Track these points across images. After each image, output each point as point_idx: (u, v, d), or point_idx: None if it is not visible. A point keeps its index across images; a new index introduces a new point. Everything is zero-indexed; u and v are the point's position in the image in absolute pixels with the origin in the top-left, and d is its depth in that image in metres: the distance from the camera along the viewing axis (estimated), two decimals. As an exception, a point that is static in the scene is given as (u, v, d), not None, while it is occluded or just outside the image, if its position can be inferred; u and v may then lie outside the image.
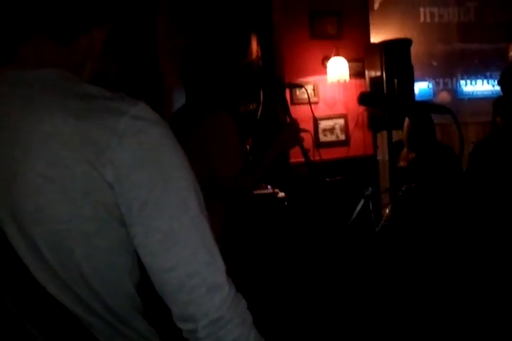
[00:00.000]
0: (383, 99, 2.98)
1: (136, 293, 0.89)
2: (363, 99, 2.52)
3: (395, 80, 4.15)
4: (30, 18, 0.85)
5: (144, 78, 3.87)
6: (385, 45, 4.29)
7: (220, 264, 0.83)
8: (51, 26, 0.86)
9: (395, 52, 4.23)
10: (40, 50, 0.87)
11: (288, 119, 2.58)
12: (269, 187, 3.75)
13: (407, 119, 3.63)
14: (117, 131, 0.78)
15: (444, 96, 5.38)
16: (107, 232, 0.81)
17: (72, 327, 0.81)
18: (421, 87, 4.94)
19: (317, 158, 3.32)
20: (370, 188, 3.29)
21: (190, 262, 0.81)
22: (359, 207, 3.16)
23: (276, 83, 3.55)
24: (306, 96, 4.27)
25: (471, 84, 5.41)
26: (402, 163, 3.68)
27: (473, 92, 5.41)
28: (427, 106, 2.91)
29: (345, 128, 4.50)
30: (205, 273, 0.81)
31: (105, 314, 0.85)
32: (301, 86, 3.20)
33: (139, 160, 0.78)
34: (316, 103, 4.38)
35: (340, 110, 4.53)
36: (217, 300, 0.81)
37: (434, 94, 5.33)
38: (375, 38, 4.69)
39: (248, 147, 4.36)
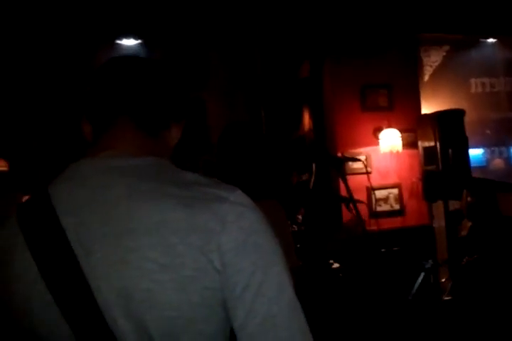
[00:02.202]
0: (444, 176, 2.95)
1: None
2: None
3: (450, 150, 4.14)
4: (124, 105, 0.94)
5: (198, 153, 4.00)
6: (438, 115, 4.33)
7: None
8: (141, 119, 0.94)
9: (448, 122, 4.26)
10: (126, 136, 0.94)
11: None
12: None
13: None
14: (221, 217, 0.82)
15: (497, 163, 5.32)
16: (211, 317, 0.82)
17: None
18: (473, 154, 4.92)
19: (373, 227, 3.31)
20: (430, 261, 3.21)
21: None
22: (420, 280, 3.08)
23: (334, 158, 3.63)
24: (359, 166, 4.32)
25: (527, 151, 5.36)
26: (463, 233, 3.60)
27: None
28: (494, 183, 2.89)
29: (400, 198, 4.48)
30: None
31: None
32: (358, 159, 3.26)
33: (242, 245, 0.82)
34: (369, 173, 4.40)
35: (394, 180, 4.54)
36: None
37: (487, 161, 5.29)
38: (427, 109, 4.76)
39: (301, 217, 4.39)
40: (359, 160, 3.35)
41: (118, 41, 4.37)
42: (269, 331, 0.81)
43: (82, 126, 0.98)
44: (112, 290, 0.81)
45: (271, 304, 0.81)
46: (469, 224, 3.62)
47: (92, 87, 0.97)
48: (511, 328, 3.00)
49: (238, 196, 0.86)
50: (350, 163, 4.29)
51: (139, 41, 4.40)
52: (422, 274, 3.15)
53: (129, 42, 4.40)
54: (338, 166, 2.94)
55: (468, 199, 3.57)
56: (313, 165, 4.00)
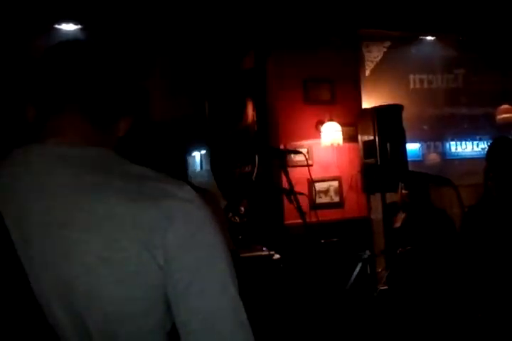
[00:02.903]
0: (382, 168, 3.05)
1: None
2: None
3: (388, 144, 4.26)
4: (73, 91, 0.89)
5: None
6: (377, 110, 4.44)
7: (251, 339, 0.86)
8: (91, 110, 0.90)
9: (387, 117, 4.38)
10: (74, 125, 0.90)
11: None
12: (264, 249, 3.76)
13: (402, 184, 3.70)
14: (168, 214, 0.81)
15: (433, 158, 5.51)
16: (152, 312, 0.82)
17: None
18: (411, 149, 5.07)
19: (313, 219, 3.37)
20: (367, 251, 3.30)
21: (229, 340, 0.83)
22: (357, 271, 3.16)
23: (277, 150, 3.66)
24: (300, 159, 4.37)
25: (460, 146, 5.57)
26: (397, 225, 3.72)
27: (462, 154, 5.56)
28: (427, 176, 2.99)
29: (340, 191, 4.57)
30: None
31: None
32: (300, 152, 3.31)
33: (187, 242, 0.81)
34: (310, 166, 4.47)
35: (335, 173, 4.62)
36: None
37: (424, 155, 5.47)
38: (367, 103, 4.87)
39: (243, 209, 4.41)
40: (300, 152, 3.39)
41: (57, 26, 4.23)
42: (210, 328, 0.82)
43: (26, 110, 0.94)
44: (51, 281, 0.79)
45: (213, 301, 0.82)
46: (403, 215, 3.74)
47: (40, 71, 0.92)
48: (441, 314, 3.13)
49: (186, 192, 0.85)
50: (292, 155, 4.33)
51: (79, 26, 4.27)
52: (360, 264, 3.23)
53: (68, 27, 4.26)
54: (280, 158, 2.96)
55: (403, 191, 3.69)
56: (256, 157, 4.03)
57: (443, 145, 5.53)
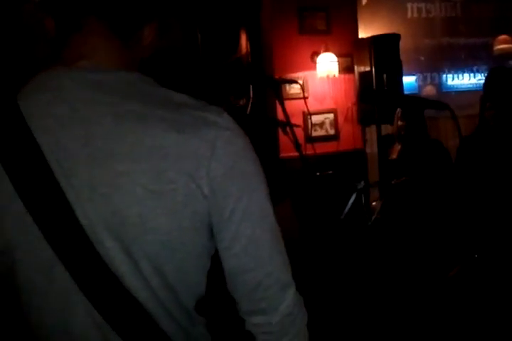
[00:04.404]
0: (377, 94, 3.00)
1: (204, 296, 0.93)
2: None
3: (384, 75, 4.19)
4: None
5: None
6: (373, 40, 4.33)
7: (289, 265, 0.91)
8: (111, 17, 0.83)
9: (384, 47, 4.27)
10: (100, 42, 0.84)
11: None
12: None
13: (397, 112, 3.66)
14: (210, 143, 0.81)
15: (429, 90, 5.45)
16: (199, 240, 0.84)
17: (155, 335, 0.83)
18: (407, 81, 5.00)
19: (309, 152, 3.36)
20: (362, 182, 3.33)
21: (268, 263, 0.88)
22: (352, 201, 3.20)
23: (271, 79, 3.57)
24: (295, 91, 4.31)
25: (457, 78, 5.49)
26: (394, 156, 3.72)
27: (458, 86, 5.49)
28: (425, 101, 2.95)
29: (335, 123, 4.54)
30: (279, 273, 0.89)
31: (182, 318, 0.88)
32: (295, 81, 3.23)
33: (230, 171, 0.82)
34: (305, 98, 4.40)
35: (330, 105, 4.57)
36: (289, 297, 0.89)
37: (420, 87, 5.40)
38: (364, 33, 4.73)
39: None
40: (296, 82, 3.33)
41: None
42: (252, 251, 0.86)
43: (44, 21, 0.87)
44: (99, 212, 0.79)
45: (254, 227, 0.85)
46: (399, 147, 3.74)
47: None
48: (435, 246, 3.20)
49: (226, 120, 0.84)
50: (287, 87, 4.27)
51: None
52: (354, 195, 3.27)
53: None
54: (275, 88, 2.90)
55: (399, 123, 3.67)
56: (251, 89, 3.96)
57: (439, 77, 5.44)
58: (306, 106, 3.40)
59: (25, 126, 0.79)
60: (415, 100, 3.18)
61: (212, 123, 0.82)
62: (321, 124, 4.50)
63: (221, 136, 0.82)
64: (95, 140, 0.78)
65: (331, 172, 4.18)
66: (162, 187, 0.78)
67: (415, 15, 5.21)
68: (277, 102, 3.08)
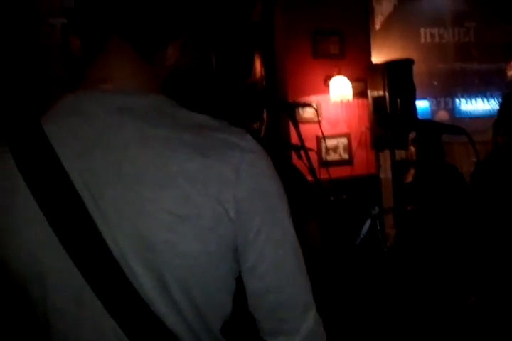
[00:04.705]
0: (392, 119, 2.98)
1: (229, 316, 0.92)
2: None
3: (398, 100, 4.18)
4: (115, 22, 0.82)
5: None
6: (387, 65, 4.33)
7: (310, 286, 0.91)
8: (135, 37, 0.83)
9: (398, 72, 4.28)
10: (124, 63, 0.85)
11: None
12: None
13: (411, 137, 3.64)
14: (234, 166, 0.81)
15: (442, 115, 5.43)
16: (225, 263, 0.84)
17: None
18: (420, 106, 4.99)
19: (323, 176, 3.33)
20: (376, 207, 3.29)
21: (291, 285, 0.88)
22: (367, 226, 3.16)
23: (286, 103, 3.57)
24: (309, 115, 4.30)
25: (470, 103, 5.47)
26: (408, 180, 3.69)
27: (471, 111, 5.47)
28: (442, 126, 2.93)
29: (349, 148, 4.52)
30: (301, 294, 0.89)
31: (206, 337, 0.87)
32: (310, 105, 3.22)
33: (254, 193, 0.83)
34: (319, 122, 4.40)
35: (343, 129, 4.55)
36: (310, 318, 0.89)
37: (433, 112, 5.38)
38: (377, 58, 4.74)
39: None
40: (311, 105, 3.32)
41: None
42: (275, 273, 0.86)
43: (69, 41, 0.87)
44: (127, 238, 0.78)
45: (278, 248, 0.86)
46: (413, 171, 3.71)
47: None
48: (449, 271, 3.14)
49: (249, 142, 0.84)
50: (300, 111, 4.26)
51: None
52: (369, 220, 3.22)
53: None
54: (290, 112, 2.89)
55: (412, 148, 3.64)
56: (265, 113, 3.95)
57: (452, 102, 5.43)
58: (321, 130, 3.38)
59: (52, 151, 0.79)
60: (432, 125, 3.16)
61: (235, 146, 0.82)
62: (335, 149, 4.48)
63: (245, 158, 0.82)
64: (122, 165, 0.78)
65: (345, 196, 4.15)
66: (188, 212, 0.78)
67: (428, 40, 5.23)
68: (290, 126, 3.07)
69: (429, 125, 3.15)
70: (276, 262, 0.86)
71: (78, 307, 0.81)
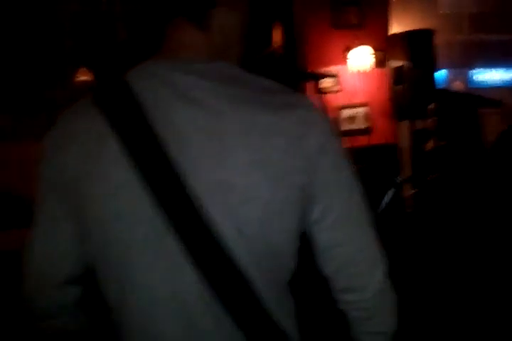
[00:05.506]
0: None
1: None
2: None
3: (418, 70, 4.19)
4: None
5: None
6: (408, 35, 4.33)
7: (379, 244, 0.91)
8: (186, 5, 0.88)
9: (418, 42, 4.28)
10: (185, 34, 0.89)
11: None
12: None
13: (431, 108, 3.66)
14: (304, 121, 0.86)
15: (457, 85, 5.44)
16: (294, 212, 0.87)
17: (255, 306, 0.86)
18: (436, 75, 4.99)
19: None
20: (399, 177, 3.33)
21: (361, 237, 0.90)
22: (390, 195, 3.21)
23: (309, 74, 3.59)
24: (327, 85, 4.33)
25: (487, 73, 5.47)
26: (429, 148, 3.72)
27: (487, 81, 5.48)
28: (479, 99, 2.95)
29: (367, 117, 4.55)
30: (371, 249, 0.90)
31: (278, 291, 0.90)
32: (332, 75, 3.24)
33: (322, 147, 0.86)
34: (338, 92, 4.42)
35: (362, 99, 4.58)
36: (380, 273, 0.90)
37: (448, 82, 5.40)
38: (396, 28, 4.74)
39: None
40: (334, 75, 3.34)
41: None
42: (345, 224, 0.88)
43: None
44: (206, 185, 0.83)
45: (346, 201, 0.88)
46: (434, 141, 3.74)
47: None
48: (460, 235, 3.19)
49: (311, 102, 0.89)
50: (320, 81, 4.28)
51: None
52: (393, 189, 3.28)
53: None
54: (315, 81, 2.92)
55: (433, 117, 3.66)
56: (286, 83, 3.97)
57: (469, 73, 5.43)
58: (339, 100, 3.42)
59: (135, 102, 0.85)
60: (469, 98, 3.17)
61: (300, 105, 0.87)
62: (353, 118, 4.51)
63: (310, 115, 0.87)
64: (202, 118, 0.83)
65: (362, 165, 4.20)
66: (261, 161, 0.82)
67: (447, 10, 5.21)
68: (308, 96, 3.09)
69: (467, 98, 3.16)
70: (345, 214, 0.88)
71: (155, 252, 0.84)
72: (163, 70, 0.87)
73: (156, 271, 0.85)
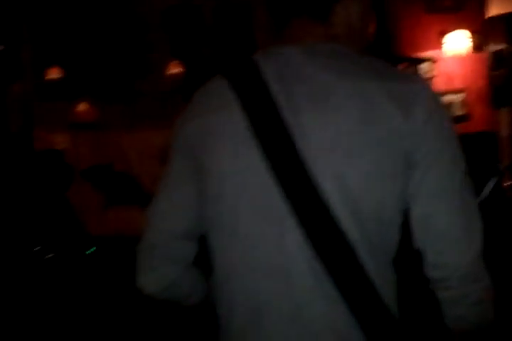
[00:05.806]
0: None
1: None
2: None
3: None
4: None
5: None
6: (508, 17, 4.13)
7: (477, 227, 0.89)
8: (308, 4, 0.95)
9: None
10: (306, 28, 0.95)
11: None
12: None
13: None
14: (413, 90, 0.88)
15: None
16: (397, 177, 0.88)
17: (355, 268, 0.87)
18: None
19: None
20: (500, 165, 3.19)
21: (459, 212, 0.87)
22: (491, 184, 3.08)
23: (408, 58, 3.51)
24: (423, 71, 4.22)
25: None
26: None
27: None
28: None
29: (464, 104, 4.39)
30: (469, 228, 0.88)
31: (382, 258, 0.90)
32: (428, 60, 3.16)
33: (429, 118, 0.87)
34: (433, 78, 4.30)
35: (459, 85, 4.42)
36: (473, 255, 0.87)
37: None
38: (495, 10, 4.51)
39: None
40: (429, 60, 3.24)
41: None
42: (444, 195, 0.87)
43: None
44: (314, 143, 0.87)
45: (445, 172, 0.88)
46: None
47: None
48: None
49: (423, 78, 0.98)
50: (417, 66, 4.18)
51: None
52: (494, 178, 3.14)
53: None
54: (415, 65, 2.85)
55: None
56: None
57: None
58: (435, 86, 3.31)
59: (260, 77, 0.91)
60: None
61: (412, 78, 0.93)
62: (449, 105, 4.36)
63: (421, 88, 0.89)
64: (313, 90, 0.89)
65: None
66: (369, 126, 0.85)
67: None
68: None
69: None
70: (444, 184, 0.87)
71: (266, 221, 0.89)
72: (285, 50, 0.94)
73: (261, 226, 0.89)
